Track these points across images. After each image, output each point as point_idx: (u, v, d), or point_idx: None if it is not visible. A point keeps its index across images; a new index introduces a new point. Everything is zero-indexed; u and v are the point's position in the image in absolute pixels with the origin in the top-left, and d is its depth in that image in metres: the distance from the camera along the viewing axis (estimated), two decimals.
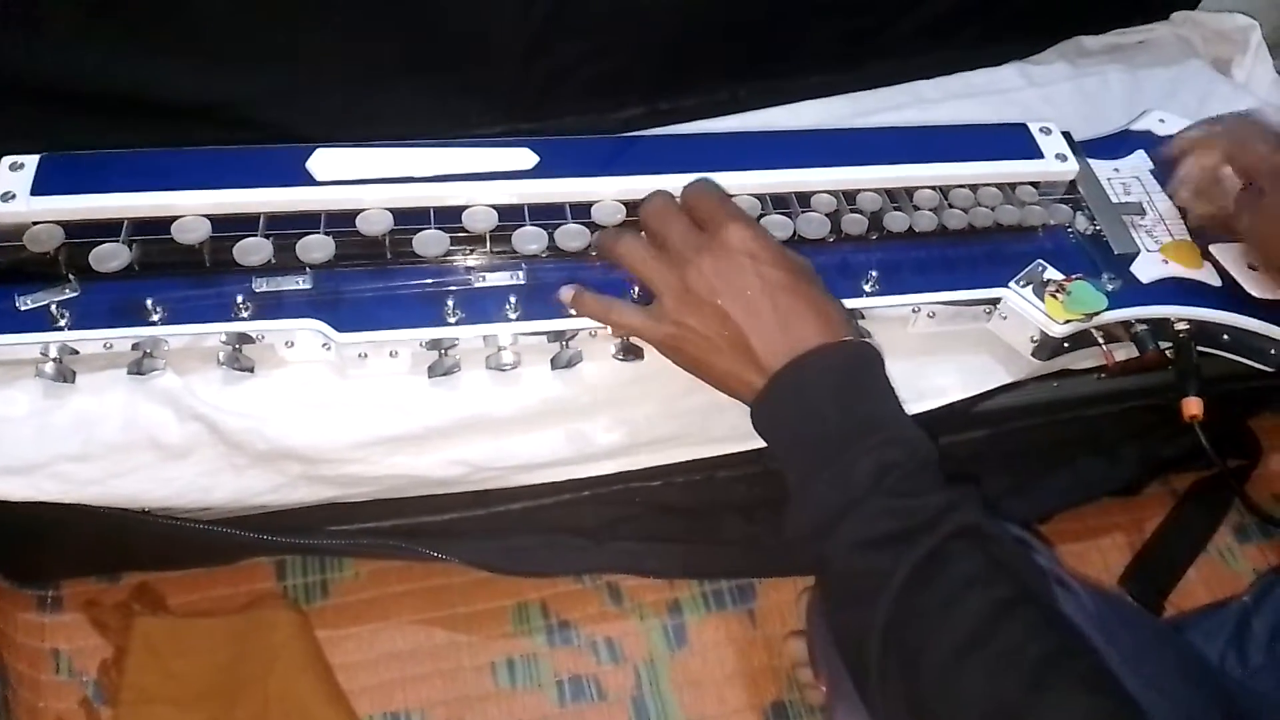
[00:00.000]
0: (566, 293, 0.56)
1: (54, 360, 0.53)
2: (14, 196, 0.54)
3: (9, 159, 0.56)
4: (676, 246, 0.53)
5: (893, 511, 0.46)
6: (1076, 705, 0.42)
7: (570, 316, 0.57)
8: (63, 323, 0.53)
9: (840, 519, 0.46)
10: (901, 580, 0.44)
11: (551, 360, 0.57)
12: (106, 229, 0.55)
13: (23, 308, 0.53)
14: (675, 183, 0.59)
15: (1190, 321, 0.62)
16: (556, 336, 0.57)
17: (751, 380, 0.51)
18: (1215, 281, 0.64)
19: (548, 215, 0.59)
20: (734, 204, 0.57)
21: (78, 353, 0.54)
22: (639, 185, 0.59)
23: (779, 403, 0.50)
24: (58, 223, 0.54)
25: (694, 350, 0.53)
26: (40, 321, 0.53)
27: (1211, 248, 0.65)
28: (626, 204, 0.59)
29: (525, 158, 0.60)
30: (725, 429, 0.64)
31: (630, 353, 0.58)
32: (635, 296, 0.57)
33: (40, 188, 0.55)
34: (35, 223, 0.54)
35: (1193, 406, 0.61)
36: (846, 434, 0.48)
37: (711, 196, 0.56)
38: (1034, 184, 0.65)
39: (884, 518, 0.46)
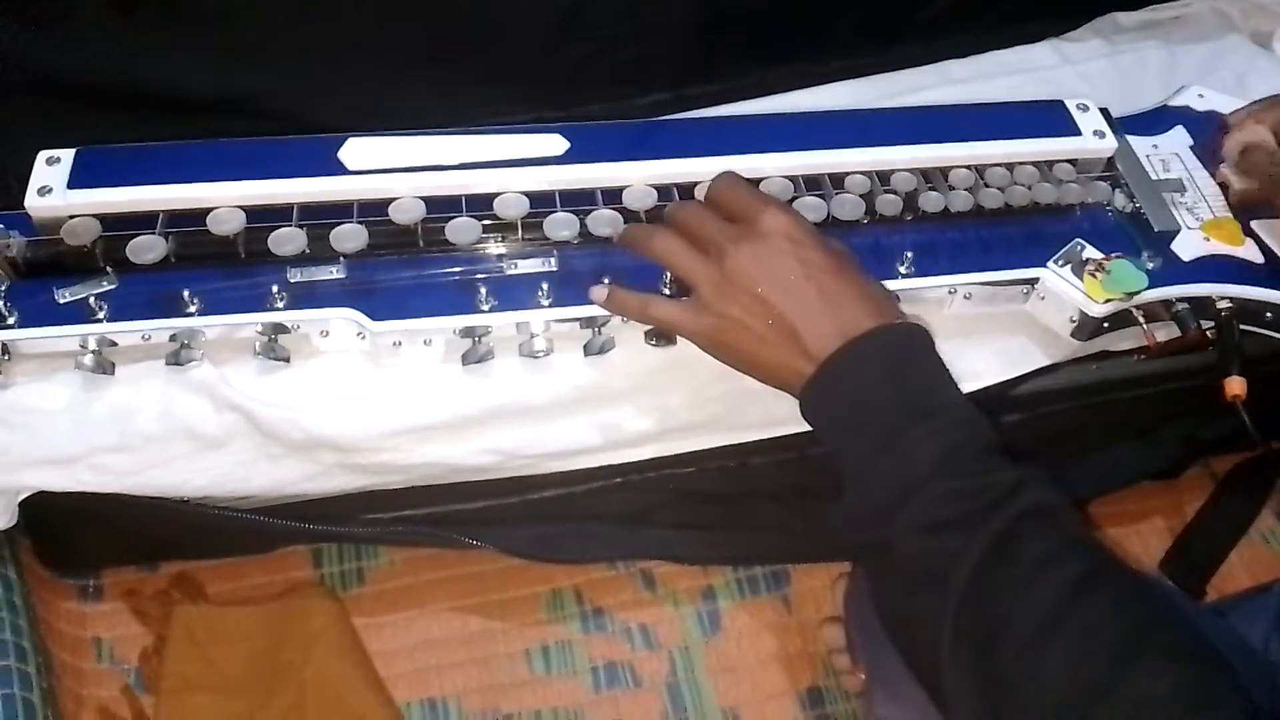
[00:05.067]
0: (599, 292, 0.55)
1: (93, 352, 0.54)
2: (51, 190, 0.55)
3: (45, 154, 0.56)
4: (712, 238, 0.52)
5: (960, 493, 0.44)
6: (1166, 675, 0.40)
7: None
8: (101, 315, 0.54)
9: (905, 502, 0.45)
10: (974, 563, 0.43)
11: (584, 347, 0.57)
12: (142, 221, 0.56)
13: (61, 301, 0.54)
14: (708, 165, 0.59)
15: (1232, 299, 0.61)
16: (589, 323, 0.57)
17: (800, 368, 0.49)
18: (1258, 259, 0.63)
19: (579, 201, 0.59)
20: (764, 192, 0.55)
21: (116, 344, 0.54)
22: (671, 169, 0.59)
23: (833, 388, 0.48)
24: (94, 216, 0.55)
25: (738, 342, 0.51)
26: (79, 314, 0.54)
27: (1253, 224, 0.64)
28: (658, 188, 0.59)
29: (556, 144, 0.60)
30: (758, 415, 0.63)
31: (662, 339, 0.58)
32: (669, 292, 0.56)
33: (77, 181, 0.55)
34: (72, 216, 0.55)
35: (1235, 386, 0.60)
36: (907, 416, 0.47)
37: (740, 187, 0.54)
38: (1071, 162, 0.64)
39: (952, 499, 0.44)
